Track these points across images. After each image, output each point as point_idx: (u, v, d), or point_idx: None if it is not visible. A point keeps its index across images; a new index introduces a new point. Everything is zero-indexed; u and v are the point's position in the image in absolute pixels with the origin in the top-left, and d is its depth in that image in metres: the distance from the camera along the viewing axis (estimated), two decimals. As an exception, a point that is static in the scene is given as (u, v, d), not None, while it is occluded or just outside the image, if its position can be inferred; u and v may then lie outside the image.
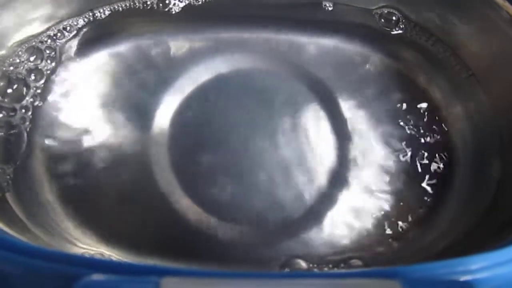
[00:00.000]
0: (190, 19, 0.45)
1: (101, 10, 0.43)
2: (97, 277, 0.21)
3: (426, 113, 0.42)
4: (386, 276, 0.24)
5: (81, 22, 0.42)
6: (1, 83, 0.39)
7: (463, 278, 0.24)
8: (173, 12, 0.44)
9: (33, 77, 0.40)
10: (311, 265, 0.37)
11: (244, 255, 0.37)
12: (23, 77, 0.40)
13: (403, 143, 0.41)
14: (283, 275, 0.28)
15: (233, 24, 0.45)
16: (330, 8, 0.44)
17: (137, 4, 0.44)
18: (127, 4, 0.43)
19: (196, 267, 0.36)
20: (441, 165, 0.40)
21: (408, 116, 0.42)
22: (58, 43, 0.41)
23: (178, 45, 0.44)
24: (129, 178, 0.39)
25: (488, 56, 0.40)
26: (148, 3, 0.44)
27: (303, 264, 0.37)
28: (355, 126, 0.42)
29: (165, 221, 0.38)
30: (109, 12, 0.43)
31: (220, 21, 0.45)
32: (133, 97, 0.42)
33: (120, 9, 0.43)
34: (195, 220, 0.38)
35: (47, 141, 0.39)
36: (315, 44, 0.45)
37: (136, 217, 0.38)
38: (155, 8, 0.44)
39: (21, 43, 0.40)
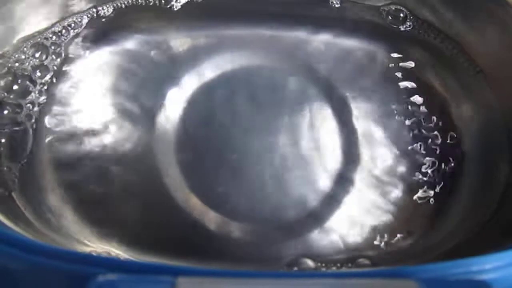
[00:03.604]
0: (192, 15, 0.44)
1: (105, 7, 0.43)
2: (111, 276, 0.21)
3: (433, 111, 0.42)
4: (400, 276, 0.23)
5: (85, 19, 0.42)
6: (7, 80, 0.38)
7: (479, 277, 0.24)
8: (175, 9, 0.44)
9: (38, 74, 0.40)
10: (318, 264, 0.37)
11: (250, 254, 0.37)
12: (29, 74, 0.39)
13: (410, 142, 0.41)
14: (297, 275, 0.28)
15: (236, 21, 0.45)
16: (337, 5, 0.44)
17: (139, 0, 0.43)
18: (130, 1, 0.43)
19: (204, 266, 0.36)
20: (449, 164, 0.40)
21: (415, 114, 0.42)
22: (63, 40, 0.41)
23: (181, 42, 0.43)
24: (135, 176, 0.39)
25: (497, 53, 0.40)
26: (151, -1, 0.43)
27: (310, 263, 0.37)
28: (362, 124, 0.42)
29: (171, 219, 0.38)
30: (113, 9, 0.43)
31: (223, 17, 0.44)
32: (138, 94, 0.41)
33: (123, 6, 0.43)
34: (202, 219, 0.38)
35: (53, 138, 0.39)
36: (321, 41, 0.44)
37: (142, 215, 0.38)
38: (157, 4, 0.43)
39: (26, 39, 0.39)
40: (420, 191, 0.40)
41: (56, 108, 0.40)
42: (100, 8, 0.42)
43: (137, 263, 0.31)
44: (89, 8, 0.42)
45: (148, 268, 0.22)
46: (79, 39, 0.42)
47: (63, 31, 0.41)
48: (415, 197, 0.39)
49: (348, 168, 0.40)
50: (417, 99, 0.42)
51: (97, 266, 0.22)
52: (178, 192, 0.38)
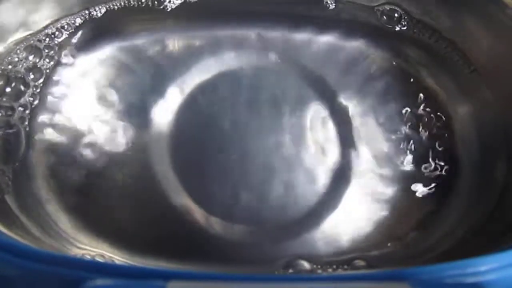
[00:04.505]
0: (186, 16, 0.44)
1: (97, 9, 0.42)
2: (101, 281, 0.21)
3: (429, 111, 0.42)
4: (395, 278, 0.23)
5: (78, 20, 0.42)
6: (0, 82, 0.38)
7: (473, 279, 0.24)
8: (169, 9, 0.43)
9: (32, 76, 0.40)
10: (314, 266, 0.36)
11: (246, 256, 0.37)
12: (22, 76, 0.39)
13: (406, 142, 0.41)
14: (291, 278, 0.28)
15: (231, 21, 0.44)
16: (331, 6, 0.44)
17: (132, 2, 0.43)
18: (122, 3, 0.43)
19: (199, 267, 0.36)
20: (446, 164, 0.40)
21: (410, 114, 0.42)
22: (56, 42, 0.41)
23: (174, 43, 0.43)
24: (130, 178, 0.39)
25: (492, 52, 0.40)
26: (143, 0, 0.43)
27: (306, 265, 0.36)
28: (357, 124, 0.42)
29: (167, 221, 0.38)
30: (105, 10, 0.42)
31: (217, 18, 0.44)
32: (132, 95, 0.41)
33: (116, 7, 0.43)
34: (197, 221, 0.38)
35: (46, 141, 0.39)
36: (316, 42, 0.44)
37: (137, 217, 0.38)
38: (150, 5, 0.43)
39: (19, 41, 0.39)
40: (418, 191, 0.39)
41: (49, 111, 0.40)
42: (92, 9, 0.42)
43: (128, 267, 0.30)
44: (82, 10, 0.42)
45: (139, 272, 0.22)
46: (72, 41, 0.42)
47: (56, 33, 0.41)
48: (412, 198, 0.39)
49: (344, 169, 0.40)
50: (413, 98, 0.42)
51: (88, 271, 0.22)
52: (173, 193, 0.38)
